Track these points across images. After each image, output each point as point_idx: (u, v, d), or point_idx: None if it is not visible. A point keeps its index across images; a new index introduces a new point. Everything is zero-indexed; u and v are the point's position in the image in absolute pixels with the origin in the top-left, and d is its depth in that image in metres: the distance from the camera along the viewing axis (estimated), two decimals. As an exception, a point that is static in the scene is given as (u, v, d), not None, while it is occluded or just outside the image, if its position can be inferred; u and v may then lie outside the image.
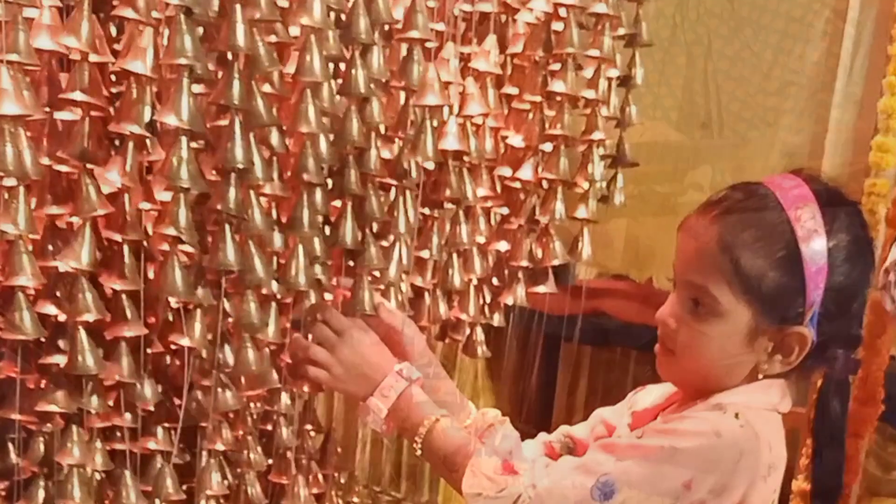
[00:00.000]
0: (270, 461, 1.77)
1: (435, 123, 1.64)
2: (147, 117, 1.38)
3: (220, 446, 1.64)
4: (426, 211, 1.75)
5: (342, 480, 1.99)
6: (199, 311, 1.50)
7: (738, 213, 1.42)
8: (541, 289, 1.91)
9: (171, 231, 1.39)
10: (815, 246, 1.40)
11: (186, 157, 1.37)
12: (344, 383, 1.61)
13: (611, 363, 3.44)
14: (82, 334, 1.43)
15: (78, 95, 1.37)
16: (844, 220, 1.43)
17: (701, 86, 3.32)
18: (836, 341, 1.46)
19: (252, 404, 1.71)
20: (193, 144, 1.40)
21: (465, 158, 1.78)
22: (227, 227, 1.44)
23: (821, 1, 3.09)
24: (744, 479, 1.39)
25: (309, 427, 1.85)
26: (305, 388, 1.68)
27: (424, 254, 1.76)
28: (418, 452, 1.56)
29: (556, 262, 1.87)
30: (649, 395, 1.63)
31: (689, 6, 3.30)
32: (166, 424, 1.58)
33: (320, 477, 1.87)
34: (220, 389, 1.56)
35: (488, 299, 1.95)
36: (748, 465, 1.39)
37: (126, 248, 1.45)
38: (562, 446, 1.70)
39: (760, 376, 1.46)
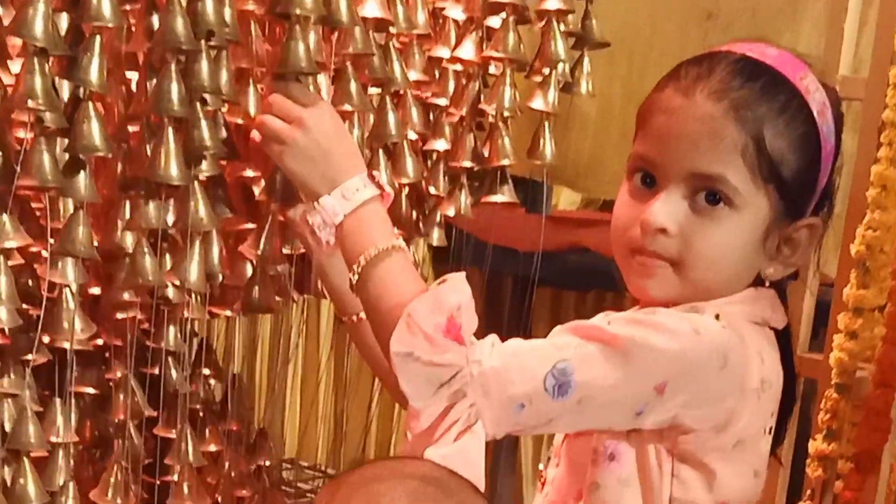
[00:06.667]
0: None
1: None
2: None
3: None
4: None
5: (250, 440, 1.81)
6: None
7: (744, 84, 1.27)
8: (497, 198, 1.64)
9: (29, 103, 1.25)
10: (829, 121, 1.30)
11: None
12: (300, 164, 1.39)
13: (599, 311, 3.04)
14: None
15: None
16: (833, 94, 1.33)
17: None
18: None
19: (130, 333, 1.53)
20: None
21: (392, 30, 1.59)
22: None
23: None
24: (729, 389, 1.25)
25: (206, 371, 1.68)
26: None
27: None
28: (354, 280, 1.34)
29: (505, 162, 1.62)
30: None
31: None
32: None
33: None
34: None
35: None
36: (734, 373, 1.25)
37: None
38: None
39: (767, 283, 1.33)
